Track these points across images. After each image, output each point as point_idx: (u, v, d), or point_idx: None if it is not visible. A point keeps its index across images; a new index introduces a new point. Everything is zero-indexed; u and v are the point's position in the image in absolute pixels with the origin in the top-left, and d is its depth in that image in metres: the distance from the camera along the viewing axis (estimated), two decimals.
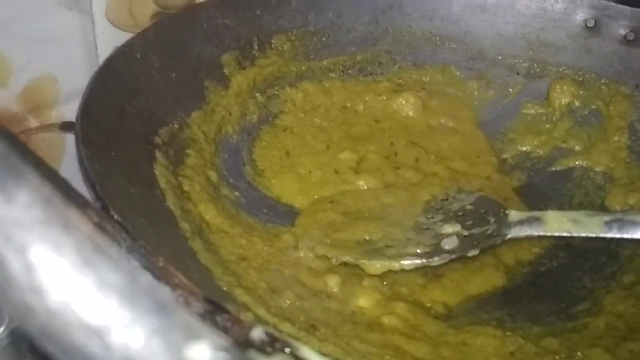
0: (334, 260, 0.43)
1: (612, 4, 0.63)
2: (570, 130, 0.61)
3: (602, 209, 0.54)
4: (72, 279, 0.11)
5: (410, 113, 0.60)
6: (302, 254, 0.44)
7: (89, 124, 0.38)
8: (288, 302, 0.38)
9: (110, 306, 0.12)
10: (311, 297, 0.40)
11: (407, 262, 0.42)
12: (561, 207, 0.56)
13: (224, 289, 0.36)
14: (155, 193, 0.41)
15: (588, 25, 0.63)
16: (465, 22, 0.67)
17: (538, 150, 0.61)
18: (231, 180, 0.51)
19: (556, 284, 0.48)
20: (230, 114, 0.56)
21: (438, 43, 0.67)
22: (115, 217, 0.30)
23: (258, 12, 0.62)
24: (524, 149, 0.62)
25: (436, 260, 0.43)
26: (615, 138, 0.59)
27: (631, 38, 0.60)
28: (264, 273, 0.41)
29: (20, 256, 0.11)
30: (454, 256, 0.43)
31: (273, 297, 0.39)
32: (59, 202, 0.12)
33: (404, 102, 0.61)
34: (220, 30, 0.59)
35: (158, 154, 0.46)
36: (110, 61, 0.46)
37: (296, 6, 0.64)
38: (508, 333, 0.42)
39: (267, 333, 0.24)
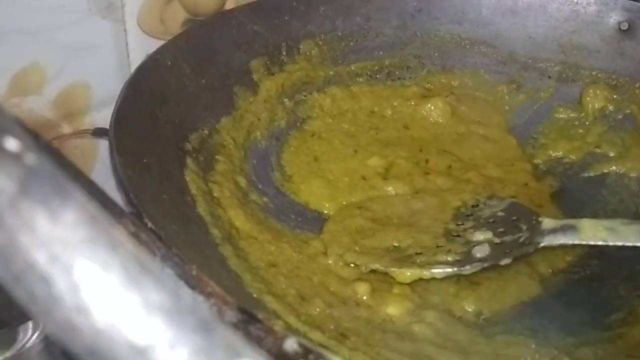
0: (364, 268, 0.43)
1: None
2: (604, 135, 0.60)
3: (637, 216, 0.53)
4: (118, 298, 0.11)
5: (440, 119, 0.60)
6: (331, 261, 0.44)
7: (122, 130, 0.39)
8: (318, 309, 0.38)
9: (156, 325, 0.12)
10: (340, 305, 0.40)
11: (437, 271, 0.42)
12: (595, 213, 0.55)
13: (254, 295, 0.36)
14: (186, 199, 0.41)
15: (622, 28, 0.62)
16: (495, 25, 0.66)
17: (571, 156, 0.60)
18: (260, 186, 0.51)
19: (590, 293, 0.47)
20: (259, 119, 0.57)
21: (467, 47, 0.66)
22: (149, 224, 0.31)
23: (286, 18, 0.62)
24: (556, 154, 0.61)
25: (468, 269, 0.42)
26: None
27: None
28: (293, 280, 0.41)
29: (66, 275, 0.12)
30: (485, 264, 0.42)
31: (303, 305, 0.38)
32: (104, 220, 0.12)
33: (432, 107, 0.60)
34: (249, 37, 0.59)
35: (189, 160, 0.46)
36: (142, 68, 0.46)
37: (324, 12, 0.64)
38: (541, 343, 0.41)
39: (300, 344, 0.24)
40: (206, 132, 0.51)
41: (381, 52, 0.66)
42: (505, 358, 0.39)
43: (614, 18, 0.62)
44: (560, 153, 0.61)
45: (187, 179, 0.44)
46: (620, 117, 0.60)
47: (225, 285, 0.35)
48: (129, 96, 0.43)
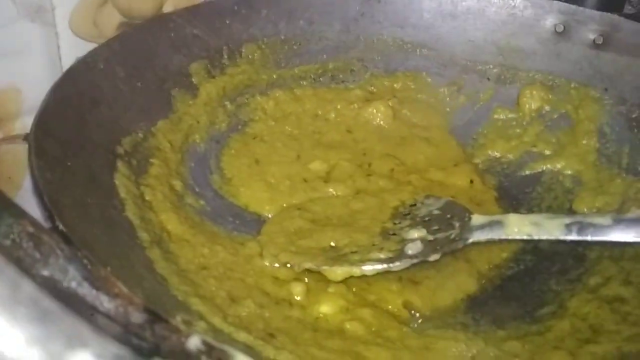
0: (297, 267, 0.43)
1: (581, 8, 0.63)
2: (540, 134, 0.61)
3: (571, 212, 0.54)
4: None
5: (382, 123, 0.60)
6: (267, 263, 0.44)
7: (44, 134, 0.38)
8: (247, 310, 0.38)
9: None
10: (273, 306, 0.40)
11: (367, 268, 0.42)
12: (530, 210, 0.56)
13: (179, 298, 0.36)
14: (113, 203, 0.41)
15: (557, 30, 0.63)
16: (436, 29, 0.67)
17: (508, 155, 0.61)
18: (197, 189, 0.51)
19: (523, 288, 0.47)
20: (198, 122, 0.56)
21: (409, 50, 0.67)
22: (60, 227, 0.30)
23: (227, 22, 0.62)
24: (495, 154, 0.62)
25: (397, 265, 0.42)
26: (585, 141, 0.59)
27: (600, 42, 0.61)
28: (225, 282, 0.40)
29: None
30: (415, 261, 0.43)
31: (232, 306, 0.38)
32: None
33: (375, 111, 0.61)
34: (188, 40, 0.59)
35: (119, 163, 0.45)
36: (70, 71, 0.46)
37: (267, 15, 0.64)
38: (470, 337, 0.41)
39: (204, 342, 0.23)
40: (140, 135, 0.50)
41: (325, 56, 0.66)
42: (434, 352, 0.39)
43: (550, 21, 0.64)
44: (499, 153, 0.62)
45: (117, 183, 0.43)
46: (555, 116, 0.62)
47: (147, 287, 0.34)
48: (54, 99, 0.42)
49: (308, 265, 0.43)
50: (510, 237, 0.42)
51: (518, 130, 0.62)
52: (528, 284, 0.48)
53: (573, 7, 0.63)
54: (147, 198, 0.44)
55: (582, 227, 0.40)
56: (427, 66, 0.67)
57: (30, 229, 0.24)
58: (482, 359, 0.39)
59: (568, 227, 0.40)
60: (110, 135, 0.46)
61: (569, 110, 0.61)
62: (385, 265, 0.42)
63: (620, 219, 0.39)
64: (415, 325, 0.43)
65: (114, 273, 0.27)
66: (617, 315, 0.41)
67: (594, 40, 0.61)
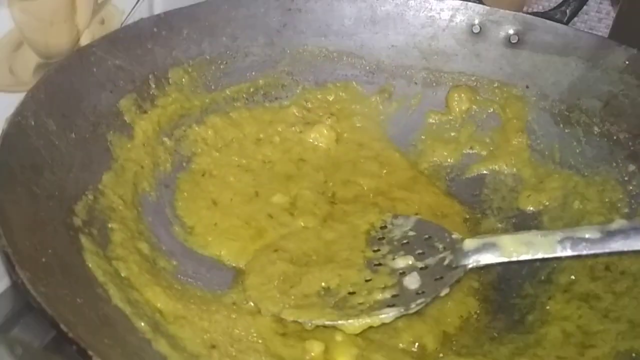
0: (309, 325, 0.41)
1: (495, 9, 0.66)
2: (474, 135, 0.64)
3: (519, 211, 0.57)
4: None
5: (327, 147, 0.59)
6: (268, 319, 0.41)
7: (10, 230, 0.31)
8: None
9: None
10: None
11: (386, 316, 0.41)
12: (484, 213, 0.59)
13: None
14: (98, 293, 0.35)
15: (474, 31, 0.65)
16: (359, 35, 0.66)
17: (449, 159, 0.63)
18: (164, 248, 0.46)
19: (503, 296, 0.50)
20: (142, 167, 0.51)
21: (336, 59, 0.66)
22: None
23: (149, 47, 0.56)
24: (436, 159, 0.63)
25: (413, 308, 0.42)
26: (516, 140, 0.62)
27: (515, 41, 0.64)
28: (239, 358, 0.37)
29: None
30: (429, 299, 0.43)
31: None
32: None
33: (318, 136, 0.60)
34: (112, 73, 0.52)
35: (83, 239, 0.39)
36: (5, 138, 0.38)
37: (188, 35, 0.59)
38: (480, 358, 0.42)
39: None
40: (90, 196, 0.44)
41: (253, 73, 0.63)
42: None
43: (465, 22, 0.66)
44: (439, 157, 0.63)
45: (90, 265, 0.37)
46: (485, 116, 0.64)
47: None
48: (1, 176, 0.34)
49: (321, 322, 0.41)
50: (507, 260, 0.44)
51: (453, 133, 0.64)
52: (506, 292, 0.50)
53: (487, 7, 0.65)
54: (123, 274, 0.39)
55: (574, 243, 0.42)
56: (356, 75, 0.66)
57: None
58: None
59: (561, 244, 0.42)
60: (62, 205, 0.40)
61: (496, 109, 0.64)
62: (402, 310, 0.42)
63: (607, 231, 0.42)
64: (426, 357, 0.43)
65: None
66: (599, 313, 0.44)
67: (509, 39, 0.64)
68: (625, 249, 0.40)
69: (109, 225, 0.42)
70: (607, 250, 0.41)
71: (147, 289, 0.39)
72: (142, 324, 0.35)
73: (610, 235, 0.41)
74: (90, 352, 0.25)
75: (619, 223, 0.41)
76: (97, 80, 0.50)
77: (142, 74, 0.55)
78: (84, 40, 0.51)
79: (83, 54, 0.50)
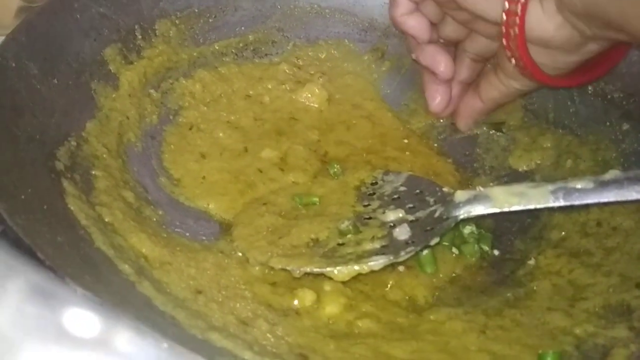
0: (297, 272, 0.40)
1: None
2: None
3: (511, 169, 0.57)
4: None
5: (318, 106, 0.58)
6: (257, 268, 0.40)
7: None
8: (267, 334, 0.34)
9: None
10: (283, 320, 0.37)
11: (374, 263, 0.40)
12: (476, 172, 0.58)
13: (199, 337, 0.31)
14: (80, 234, 0.34)
15: None
16: None
17: (441, 119, 0.62)
18: (149, 197, 0.45)
19: (494, 252, 0.49)
20: (127, 118, 0.49)
21: (328, 16, 0.64)
22: (80, 290, 0.24)
23: None
24: (428, 119, 0.62)
25: (403, 255, 0.41)
26: None
27: None
28: (228, 304, 0.36)
29: None
30: (418, 248, 0.42)
31: (247, 331, 0.34)
32: None
33: (309, 95, 0.58)
34: (96, 21, 0.50)
35: (65, 183, 0.38)
36: None
37: None
38: (469, 311, 0.42)
39: None
40: (73, 143, 0.42)
41: (243, 28, 0.61)
42: (447, 336, 0.39)
43: None
44: (431, 118, 0.62)
45: (72, 208, 0.36)
46: None
47: (168, 332, 0.29)
48: None
49: (309, 268, 0.40)
50: (499, 210, 0.43)
51: None
52: (497, 248, 0.49)
53: None
54: (107, 220, 0.38)
55: (567, 193, 0.42)
56: (348, 32, 0.64)
57: None
58: (491, 331, 0.39)
59: (554, 194, 0.42)
60: (44, 149, 0.39)
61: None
62: (391, 257, 0.41)
63: (600, 181, 0.41)
64: (415, 310, 0.42)
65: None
66: (590, 268, 0.44)
67: None
68: (619, 198, 0.39)
69: (93, 172, 0.41)
70: (601, 200, 0.40)
71: (132, 234, 0.38)
72: (126, 266, 0.35)
73: (603, 185, 0.40)
74: (67, 279, 0.24)
75: (612, 173, 0.41)
76: (81, 27, 0.49)
77: (128, 24, 0.53)
78: None
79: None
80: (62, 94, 0.44)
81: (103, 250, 0.35)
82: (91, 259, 0.33)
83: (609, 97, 0.55)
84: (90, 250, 0.34)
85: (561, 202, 0.41)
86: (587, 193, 0.41)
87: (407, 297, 0.43)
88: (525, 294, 0.44)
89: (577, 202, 0.41)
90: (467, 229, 0.49)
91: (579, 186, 0.41)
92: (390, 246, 0.42)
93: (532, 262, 0.47)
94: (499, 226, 0.52)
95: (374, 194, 0.50)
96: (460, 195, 0.44)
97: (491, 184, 0.56)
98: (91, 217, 0.36)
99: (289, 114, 0.58)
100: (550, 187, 0.42)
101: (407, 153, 0.55)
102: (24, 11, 0.45)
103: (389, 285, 0.43)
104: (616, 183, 0.40)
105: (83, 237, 0.34)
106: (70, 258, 0.31)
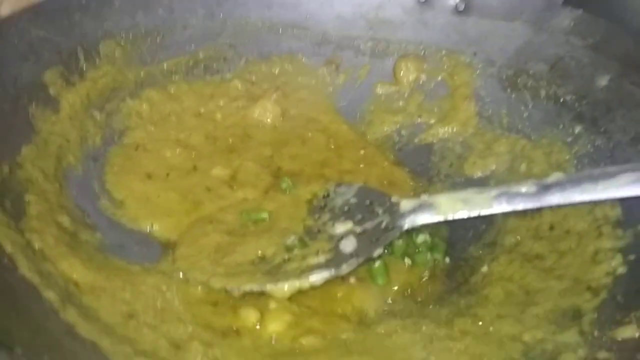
0: (236, 291, 0.39)
1: None
2: (422, 104, 0.63)
3: (467, 178, 0.56)
4: None
5: (272, 122, 0.57)
6: (199, 289, 0.39)
7: None
8: (199, 357, 0.33)
9: None
10: (221, 340, 0.36)
11: (315, 278, 0.39)
12: (431, 180, 0.58)
13: None
14: (3, 262, 0.33)
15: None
16: (304, 6, 0.65)
17: (398, 128, 0.62)
18: (87, 221, 0.44)
19: (448, 260, 0.48)
20: (67, 140, 0.48)
21: (280, 31, 0.64)
22: None
23: (77, 18, 0.54)
24: (384, 129, 0.62)
25: (344, 269, 0.40)
26: (464, 106, 0.61)
27: (462, 8, 0.63)
28: (161, 327, 0.35)
29: None
30: (361, 260, 0.41)
31: (179, 354, 0.33)
32: None
33: (262, 111, 0.58)
34: (36, 45, 0.50)
35: None
36: None
37: (120, 6, 0.57)
38: (419, 322, 0.41)
39: None
40: (6, 169, 0.41)
41: (193, 45, 0.61)
42: (395, 349, 0.38)
43: None
44: (388, 127, 0.62)
45: None
46: (433, 85, 0.63)
47: None
48: None
49: (248, 287, 0.39)
50: (444, 218, 0.42)
51: (401, 103, 0.63)
52: (451, 255, 0.48)
53: None
54: (37, 246, 0.37)
55: (510, 197, 0.41)
56: (302, 47, 0.64)
57: None
58: (438, 342, 0.38)
59: (497, 199, 0.41)
60: None
61: (444, 77, 0.63)
62: (332, 271, 0.40)
63: (543, 185, 0.40)
64: (362, 323, 0.41)
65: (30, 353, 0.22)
66: (542, 273, 0.43)
67: (456, 7, 0.63)
68: (562, 201, 0.39)
69: (25, 198, 0.40)
70: (543, 204, 0.39)
71: (63, 260, 0.37)
72: (52, 293, 0.33)
73: (546, 188, 0.40)
74: None
75: (555, 176, 0.40)
76: (19, 52, 0.48)
77: (70, 46, 0.52)
78: (4, 11, 0.48)
79: (3, 24, 0.47)
80: None
81: (27, 278, 0.33)
82: (11, 288, 0.32)
83: (561, 100, 0.55)
84: (13, 278, 0.33)
85: (505, 207, 0.40)
86: (530, 197, 0.40)
87: (356, 311, 0.42)
88: (476, 301, 0.43)
89: (520, 207, 0.40)
90: (420, 238, 0.48)
91: (522, 190, 0.40)
92: (334, 259, 0.41)
93: (484, 269, 0.46)
94: (454, 234, 0.51)
95: (325, 206, 0.49)
96: (405, 204, 0.43)
97: (445, 191, 0.55)
98: (18, 244, 0.35)
99: (242, 130, 0.57)
100: (494, 192, 0.41)
101: (363, 165, 0.55)
102: None
103: (338, 299, 0.41)
104: (559, 186, 0.40)
105: (6, 265, 0.33)
106: None
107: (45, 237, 0.38)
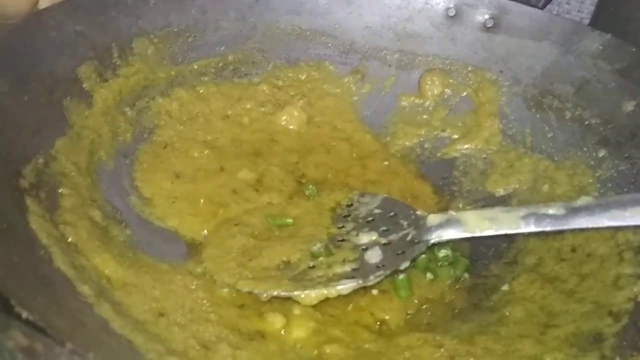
0: (264, 295, 0.39)
1: None
2: (446, 118, 0.63)
3: (489, 194, 0.57)
4: None
5: (297, 128, 0.58)
6: (225, 290, 0.40)
7: None
8: (227, 358, 0.33)
9: None
10: (247, 344, 0.36)
11: (343, 287, 0.40)
12: (453, 195, 0.58)
13: None
14: (39, 255, 0.33)
15: (449, 14, 0.64)
16: (333, 15, 0.65)
17: (421, 141, 0.62)
18: (118, 216, 0.44)
19: (470, 277, 0.48)
20: (99, 135, 0.49)
21: (309, 38, 0.64)
22: (25, 315, 0.23)
23: (113, 14, 0.54)
24: (407, 142, 0.62)
25: (372, 280, 0.41)
26: (488, 123, 0.61)
27: (490, 25, 0.63)
28: (190, 327, 0.35)
29: None
30: (388, 272, 0.41)
31: (208, 355, 0.34)
32: None
33: (288, 118, 0.58)
34: (72, 39, 0.50)
35: (28, 200, 0.37)
36: None
37: (155, 5, 0.57)
38: (440, 337, 0.41)
39: None
40: (41, 160, 0.42)
41: (223, 47, 0.61)
42: (414, 359, 0.38)
43: (442, 5, 0.65)
44: (411, 140, 0.62)
45: (33, 227, 0.35)
46: (457, 100, 0.63)
47: (121, 357, 0.28)
48: None
49: (276, 292, 0.39)
50: (471, 235, 0.43)
51: (425, 116, 0.63)
52: (471, 272, 0.49)
53: None
54: (70, 239, 0.37)
55: (538, 218, 0.41)
56: (329, 54, 0.65)
57: (23, 341, 0.18)
58: (460, 358, 0.38)
59: (525, 219, 0.42)
60: (9, 167, 0.38)
61: (469, 93, 0.63)
62: (360, 282, 0.40)
63: (572, 208, 0.41)
64: (384, 334, 0.42)
65: (79, 349, 0.22)
66: (563, 295, 0.44)
67: (484, 24, 0.63)
68: (590, 225, 0.39)
69: (60, 190, 0.41)
70: (571, 227, 0.40)
71: (96, 255, 0.37)
72: (86, 287, 0.34)
73: (574, 211, 0.40)
74: (12, 302, 0.24)
75: (584, 200, 0.40)
76: (55, 45, 0.48)
77: (105, 42, 0.53)
78: (43, 4, 0.49)
79: (41, 17, 0.48)
80: (33, 111, 0.43)
81: (63, 271, 0.34)
82: (48, 280, 0.32)
83: (586, 122, 0.55)
84: (49, 270, 0.33)
85: (532, 228, 0.41)
86: (558, 219, 0.40)
87: (378, 322, 0.42)
88: (497, 319, 0.43)
89: (548, 228, 0.40)
90: (442, 253, 0.48)
91: (550, 212, 0.41)
92: (361, 269, 0.42)
93: (505, 287, 0.46)
94: (475, 250, 0.51)
95: (349, 215, 0.49)
96: (433, 219, 0.44)
97: (468, 207, 0.56)
98: (53, 237, 0.36)
99: (268, 135, 0.57)
100: (522, 212, 0.41)
101: (386, 175, 0.55)
102: None
103: (359, 309, 0.42)
104: (587, 210, 0.40)
105: (42, 257, 0.34)
106: (24, 279, 0.30)
107: (78, 231, 0.38)
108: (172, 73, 0.57)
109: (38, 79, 0.45)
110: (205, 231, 0.46)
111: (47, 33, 0.48)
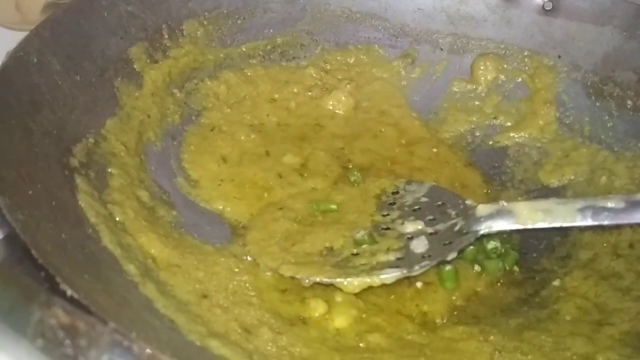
0: (307, 281, 0.39)
1: None
2: (499, 105, 0.61)
3: (543, 186, 0.54)
4: None
5: (344, 113, 0.57)
6: (268, 273, 0.39)
7: None
8: (269, 344, 0.33)
9: None
10: (288, 329, 0.36)
11: (387, 276, 0.39)
12: (504, 185, 0.56)
13: (197, 344, 0.31)
14: (87, 233, 0.34)
15: None
16: None
17: (472, 128, 0.60)
18: (164, 197, 0.44)
19: (519, 271, 0.47)
20: (149, 116, 0.49)
21: (359, 21, 0.63)
22: (70, 293, 0.24)
23: None
24: (458, 128, 0.60)
25: (417, 270, 0.40)
26: (544, 111, 0.59)
27: (549, 8, 0.60)
28: (232, 310, 0.35)
29: None
30: (434, 262, 0.40)
31: (250, 339, 0.33)
32: None
33: (335, 102, 0.57)
34: (124, 20, 0.51)
35: (78, 179, 0.38)
36: (4, 71, 0.37)
37: None
38: (486, 330, 0.40)
39: None
40: (91, 140, 0.42)
41: (271, 30, 0.60)
42: (459, 353, 0.37)
43: None
44: (462, 126, 0.60)
45: (82, 205, 0.36)
46: (512, 86, 0.61)
47: (162, 339, 0.29)
48: None
49: (319, 278, 0.39)
50: (522, 227, 0.41)
51: (477, 103, 0.61)
52: (522, 266, 0.47)
53: None
54: (118, 218, 0.38)
55: (596, 212, 0.39)
56: (379, 38, 0.63)
57: (64, 319, 0.18)
58: (507, 353, 0.37)
59: (581, 212, 0.40)
60: (59, 144, 0.39)
61: (524, 79, 0.61)
62: (404, 271, 0.39)
63: (632, 201, 0.39)
64: (428, 325, 0.41)
65: (122, 329, 0.22)
66: (618, 292, 0.42)
67: (543, 6, 0.61)
68: None
69: (109, 170, 0.41)
70: (631, 221, 0.38)
71: (142, 234, 0.38)
72: (132, 267, 0.34)
73: (635, 205, 0.38)
74: (58, 279, 0.24)
75: None
76: (107, 25, 0.49)
77: (155, 23, 0.53)
78: None
79: None
80: (84, 90, 0.44)
81: (110, 249, 0.34)
82: (95, 258, 0.33)
83: None
84: (96, 249, 0.34)
85: (589, 222, 0.39)
86: (617, 213, 0.38)
87: (422, 313, 0.41)
88: (547, 315, 0.41)
89: (606, 222, 0.38)
90: (491, 244, 0.47)
91: (609, 205, 0.39)
92: (405, 259, 0.41)
93: (557, 282, 0.44)
94: (525, 243, 0.50)
95: (394, 203, 0.48)
96: (483, 209, 0.42)
97: (519, 198, 0.54)
98: (101, 215, 0.36)
99: (315, 120, 0.57)
100: (578, 204, 0.40)
101: (434, 163, 0.53)
102: (50, 7, 0.46)
103: (403, 299, 0.41)
104: None
105: (90, 235, 0.34)
106: (70, 256, 0.30)
107: (126, 210, 0.39)
108: (221, 55, 0.57)
109: (90, 58, 0.46)
110: (250, 214, 0.46)
111: (100, 13, 0.48)
